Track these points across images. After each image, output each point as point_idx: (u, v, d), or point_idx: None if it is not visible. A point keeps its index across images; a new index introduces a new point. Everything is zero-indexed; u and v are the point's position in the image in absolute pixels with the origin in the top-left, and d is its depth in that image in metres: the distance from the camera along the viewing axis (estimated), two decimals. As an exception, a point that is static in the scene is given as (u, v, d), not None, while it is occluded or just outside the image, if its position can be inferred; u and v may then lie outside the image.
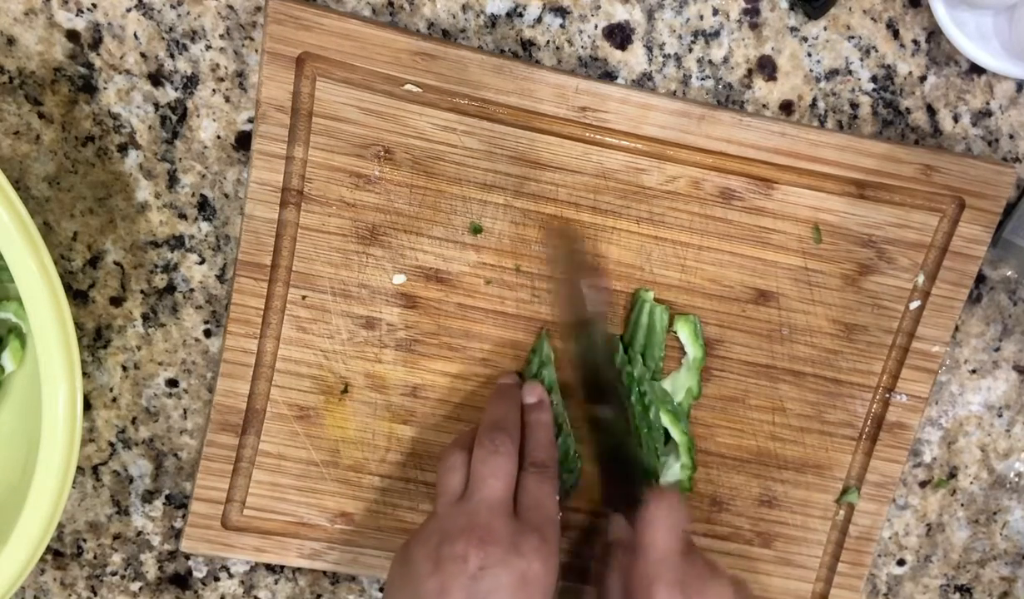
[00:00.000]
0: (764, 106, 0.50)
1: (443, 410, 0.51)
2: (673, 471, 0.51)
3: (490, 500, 0.43)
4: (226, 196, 0.49)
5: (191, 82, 0.48)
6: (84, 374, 0.50)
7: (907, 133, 0.51)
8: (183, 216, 0.49)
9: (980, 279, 0.53)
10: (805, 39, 0.49)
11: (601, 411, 0.48)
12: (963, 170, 0.49)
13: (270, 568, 0.54)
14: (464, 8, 0.48)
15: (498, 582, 0.41)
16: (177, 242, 0.50)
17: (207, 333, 0.51)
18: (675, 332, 0.50)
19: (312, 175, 0.47)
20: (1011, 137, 0.51)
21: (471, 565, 0.41)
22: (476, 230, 0.49)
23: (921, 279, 0.51)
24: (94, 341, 0.50)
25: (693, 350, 0.50)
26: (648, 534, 0.43)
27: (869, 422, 0.53)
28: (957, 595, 0.58)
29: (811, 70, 0.50)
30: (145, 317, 0.50)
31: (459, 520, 0.43)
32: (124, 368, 0.51)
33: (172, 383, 0.51)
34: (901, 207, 0.50)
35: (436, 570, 0.41)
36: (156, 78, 0.47)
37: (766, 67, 0.49)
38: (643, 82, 0.49)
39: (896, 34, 0.49)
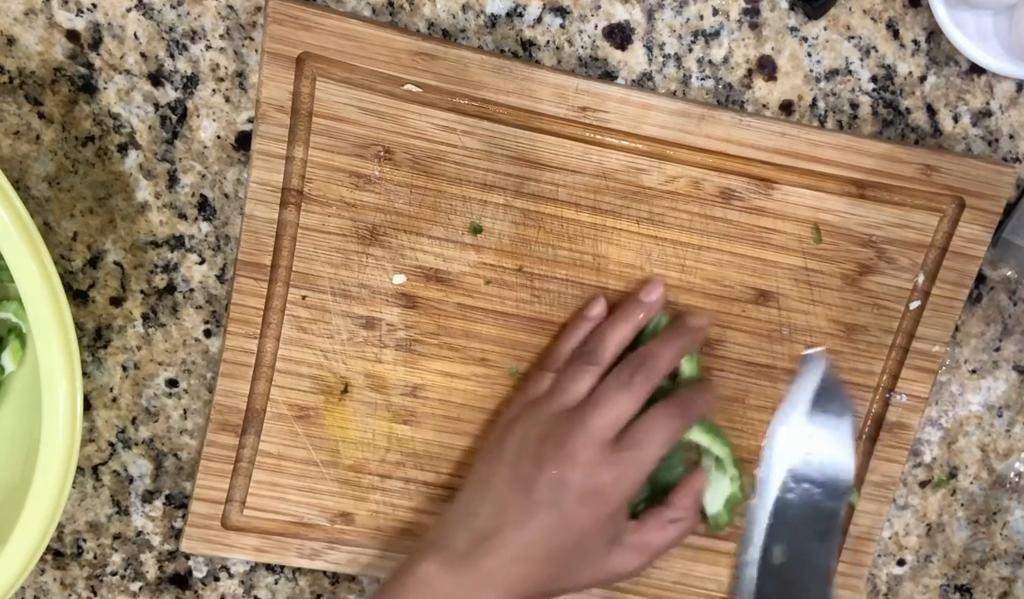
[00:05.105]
0: (764, 106, 0.50)
1: (443, 410, 0.51)
2: (722, 486, 0.50)
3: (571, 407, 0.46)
4: (226, 196, 0.49)
5: (191, 82, 0.48)
6: (84, 374, 0.50)
7: (907, 133, 0.51)
8: (183, 216, 0.49)
9: (980, 279, 0.53)
10: (805, 39, 0.49)
11: None
12: (963, 170, 0.49)
13: (270, 568, 0.54)
14: (464, 8, 0.48)
15: (575, 486, 0.44)
16: (177, 242, 0.50)
17: (207, 333, 0.51)
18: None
19: (312, 175, 0.47)
20: (1011, 137, 0.51)
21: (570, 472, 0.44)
22: (476, 230, 0.49)
23: (921, 279, 0.51)
24: (94, 341, 0.50)
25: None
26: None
27: (869, 422, 0.53)
28: (957, 595, 0.58)
29: (811, 70, 0.50)
30: (145, 317, 0.50)
31: (563, 425, 0.45)
32: (124, 368, 0.51)
33: (172, 383, 0.51)
34: (901, 207, 0.50)
35: (534, 464, 0.45)
36: (156, 78, 0.47)
37: (766, 67, 0.49)
38: (643, 82, 0.49)
39: (896, 34, 0.49)
